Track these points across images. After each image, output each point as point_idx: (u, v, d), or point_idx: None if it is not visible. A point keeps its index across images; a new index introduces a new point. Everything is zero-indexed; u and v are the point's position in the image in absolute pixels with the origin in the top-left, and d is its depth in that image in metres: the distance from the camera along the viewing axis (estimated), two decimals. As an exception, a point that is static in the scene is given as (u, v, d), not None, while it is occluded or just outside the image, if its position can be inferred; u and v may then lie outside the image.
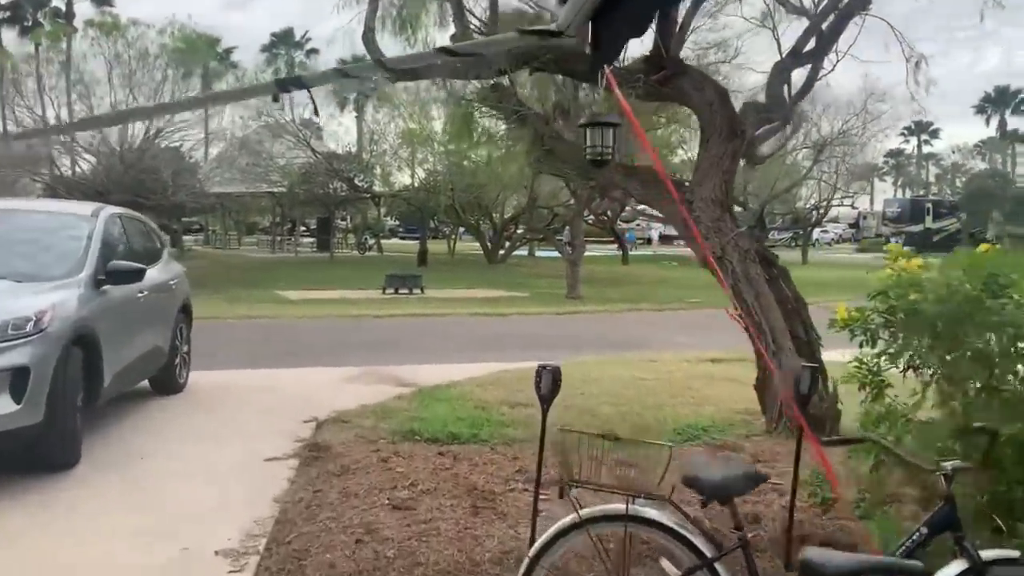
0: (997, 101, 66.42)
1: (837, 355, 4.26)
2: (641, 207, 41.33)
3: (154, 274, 7.22)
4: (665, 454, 2.90)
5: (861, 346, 3.68)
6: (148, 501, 4.83)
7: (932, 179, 75.85)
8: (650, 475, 2.89)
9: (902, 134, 67.83)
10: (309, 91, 2.46)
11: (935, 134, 75.30)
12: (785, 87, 7.46)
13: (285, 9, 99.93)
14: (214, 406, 7.32)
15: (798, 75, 7.69)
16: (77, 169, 27.86)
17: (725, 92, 6.71)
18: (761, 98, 7.66)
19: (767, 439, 5.85)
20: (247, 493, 4.93)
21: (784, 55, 7.62)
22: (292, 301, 18.77)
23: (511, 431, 6.15)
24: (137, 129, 25.73)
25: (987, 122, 68.80)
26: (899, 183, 79.14)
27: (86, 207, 6.78)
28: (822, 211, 44.43)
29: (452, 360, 10.42)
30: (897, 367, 3.53)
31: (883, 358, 3.66)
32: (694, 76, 6.74)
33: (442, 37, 7.70)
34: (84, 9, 46.06)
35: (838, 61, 8.16)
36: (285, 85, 2.52)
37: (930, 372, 3.46)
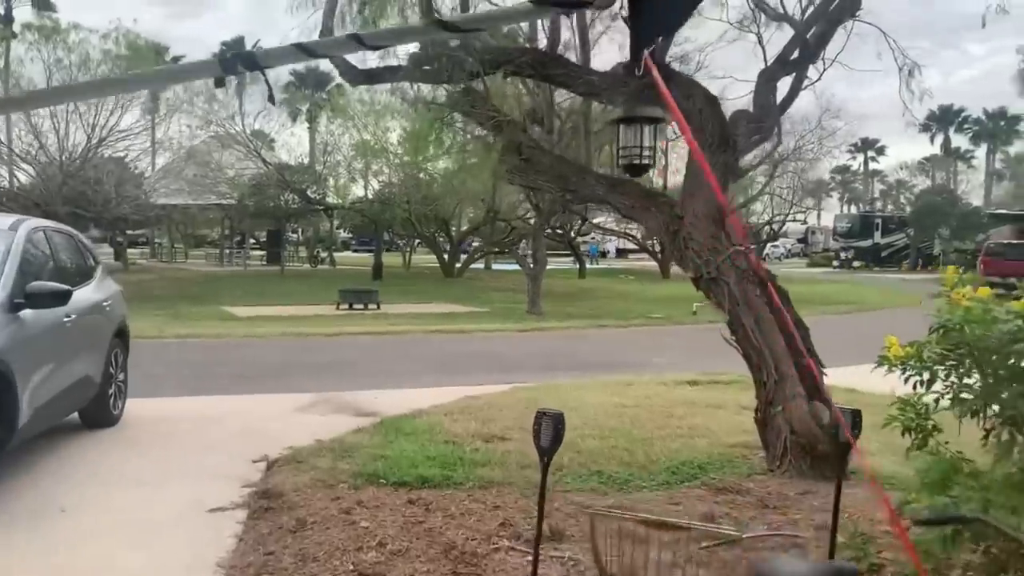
0: (941, 119, 67.85)
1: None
2: (598, 220, 41.23)
3: (85, 295, 6.46)
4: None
5: (915, 387, 3.15)
6: (63, 568, 4.09)
7: (876, 195, 77.28)
8: None
9: (849, 151, 68.89)
10: (263, 71, 1.88)
11: (881, 151, 76.78)
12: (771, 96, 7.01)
13: (235, 20, 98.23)
14: (152, 442, 6.55)
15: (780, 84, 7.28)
16: (15, 180, 26.52)
17: (715, 99, 6.21)
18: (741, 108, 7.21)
19: (771, 479, 5.31)
20: (185, 555, 4.22)
21: (770, 62, 7.19)
22: (240, 318, 17.88)
23: (487, 472, 5.51)
24: (78, 138, 24.57)
25: (931, 140, 70.29)
26: (845, 199, 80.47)
27: (4, 220, 5.99)
28: (776, 226, 44.75)
29: (414, 383, 9.75)
30: (960, 413, 2.99)
31: (933, 398, 3.14)
32: (682, 82, 6.23)
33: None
34: (23, 13, 44.43)
35: (825, 69, 7.78)
36: (233, 64, 1.88)
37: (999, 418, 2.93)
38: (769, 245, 49.39)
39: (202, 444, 6.49)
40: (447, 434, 6.58)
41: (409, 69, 6.76)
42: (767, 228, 43.39)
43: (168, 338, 13.67)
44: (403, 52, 7.07)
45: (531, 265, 20.53)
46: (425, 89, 7.13)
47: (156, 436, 6.74)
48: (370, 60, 7.47)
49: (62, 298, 5.42)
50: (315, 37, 6.20)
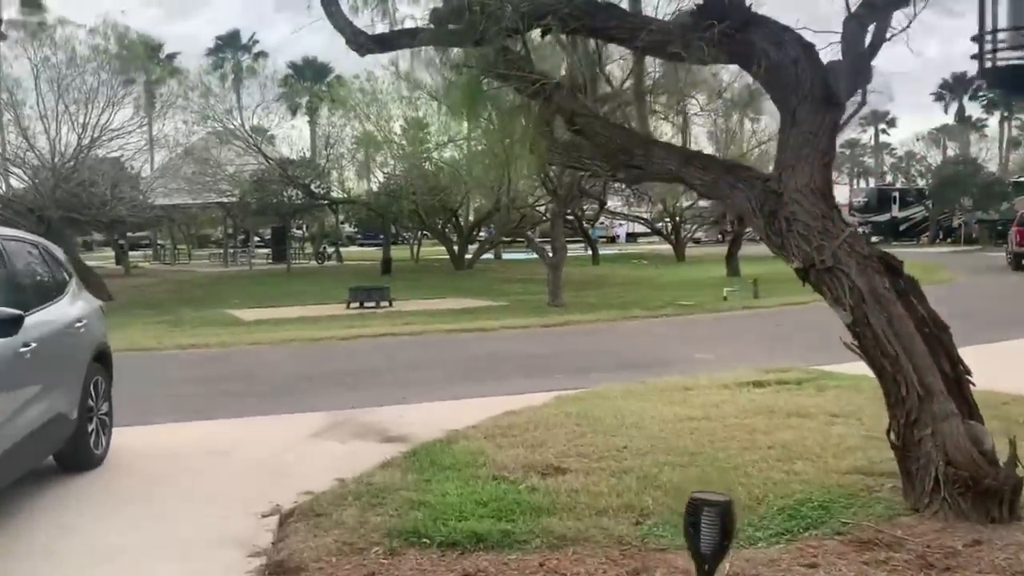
0: (955, 88, 66.28)
1: None
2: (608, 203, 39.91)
3: (52, 316, 5.36)
4: None
5: None
6: None
7: (886, 168, 75.70)
8: None
9: (860, 123, 67.36)
10: None
11: (892, 123, 75.10)
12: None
13: (229, 18, 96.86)
14: (139, 491, 5.45)
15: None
16: (6, 186, 25.44)
17: (812, 47, 5.03)
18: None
19: (921, 523, 4.17)
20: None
21: (857, 6, 6.00)
22: (245, 323, 16.79)
23: (556, 523, 4.39)
24: (70, 139, 23.40)
25: (945, 109, 68.74)
26: (855, 173, 78.98)
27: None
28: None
29: (442, 394, 8.64)
30: None
31: None
32: (770, 27, 5.05)
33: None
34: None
35: (916, 15, 6.58)
36: None
37: None
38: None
39: (199, 490, 5.38)
40: (494, 465, 5.46)
41: (431, 30, 5.61)
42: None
43: (168, 349, 12.61)
44: (421, 12, 5.94)
45: (550, 254, 19.37)
46: (451, 55, 5.97)
47: (145, 481, 5.64)
48: (379, 24, 6.32)
49: (9, 326, 4.30)
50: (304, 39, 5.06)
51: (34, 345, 4.81)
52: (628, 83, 6.72)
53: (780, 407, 7.15)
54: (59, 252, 6.19)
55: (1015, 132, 68.12)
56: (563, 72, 6.14)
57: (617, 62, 6.19)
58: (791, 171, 4.78)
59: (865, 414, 6.75)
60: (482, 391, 8.74)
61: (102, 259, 39.43)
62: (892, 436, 4.43)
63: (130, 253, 37.85)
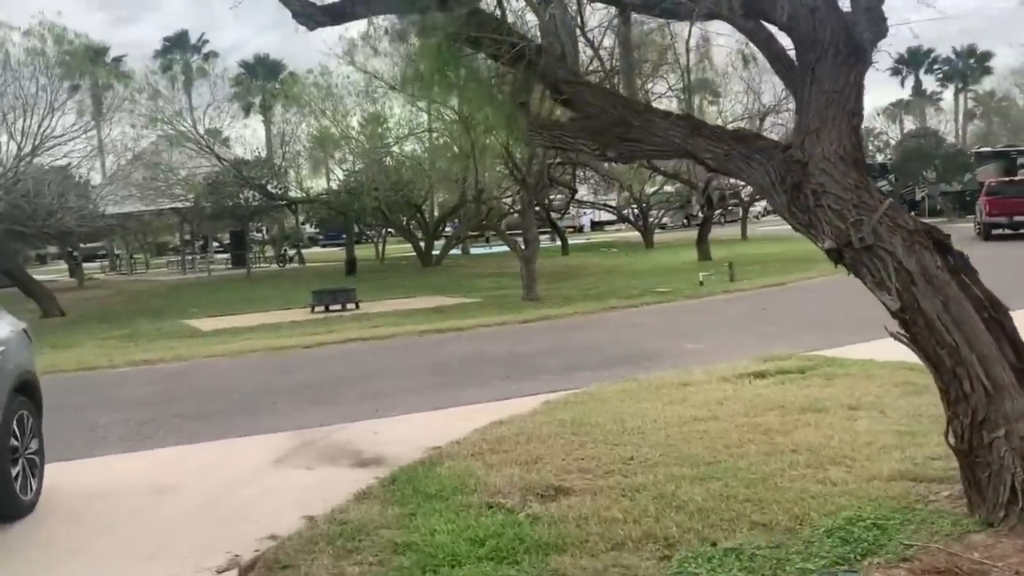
0: (910, 62, 66.62)
1: None
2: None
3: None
4: None
5: None
6: None
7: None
8: None
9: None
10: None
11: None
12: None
13: (177, 21, 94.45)
14: (73, 541, 4.67)
15: None
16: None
17: (830, -7, 4.39)
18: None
19: (998, 541, 3.54)
20: None
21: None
22: (204, 333, 15.88)
23: (567, 561, 3.70)
24: (9, 147, 22.12)
25: (902, 83, 69.06)
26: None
27: None
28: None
29: (419, 404, 7.92)
30: None
31: None
32: (779, -26, 4.39)
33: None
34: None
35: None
36: None
37: None
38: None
39: (144, 540, 4.61)
40: (486, 490, 4.77)
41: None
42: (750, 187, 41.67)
43: (119, 367, 11.70)
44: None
45: (522, 247, 18.67)
46: (413, 23, 5.22)
47: (81, 530, 4.85)
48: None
49: None
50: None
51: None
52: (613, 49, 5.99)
53: (791, 401, 6.54)
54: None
55: (970, 104, 68.69)
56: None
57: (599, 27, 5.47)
58: (815, 136, 4.13)
59: (886, 405, 6.17)
60: (463, 398, 8.04)
61: (56, 272, 38.01)
62: (952, 438, 3.80)
63: (86, 264, 36.45)
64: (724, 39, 5.66)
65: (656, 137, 4.47)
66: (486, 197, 23.93)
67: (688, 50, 5.21)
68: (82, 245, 37.79)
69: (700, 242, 28.33)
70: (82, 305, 23.95)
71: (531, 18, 4.99)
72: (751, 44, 5.07)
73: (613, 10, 5.38)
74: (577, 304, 16.55)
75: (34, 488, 5.20)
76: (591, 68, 5.45)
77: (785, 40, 4.82)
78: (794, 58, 4.41)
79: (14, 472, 4.93)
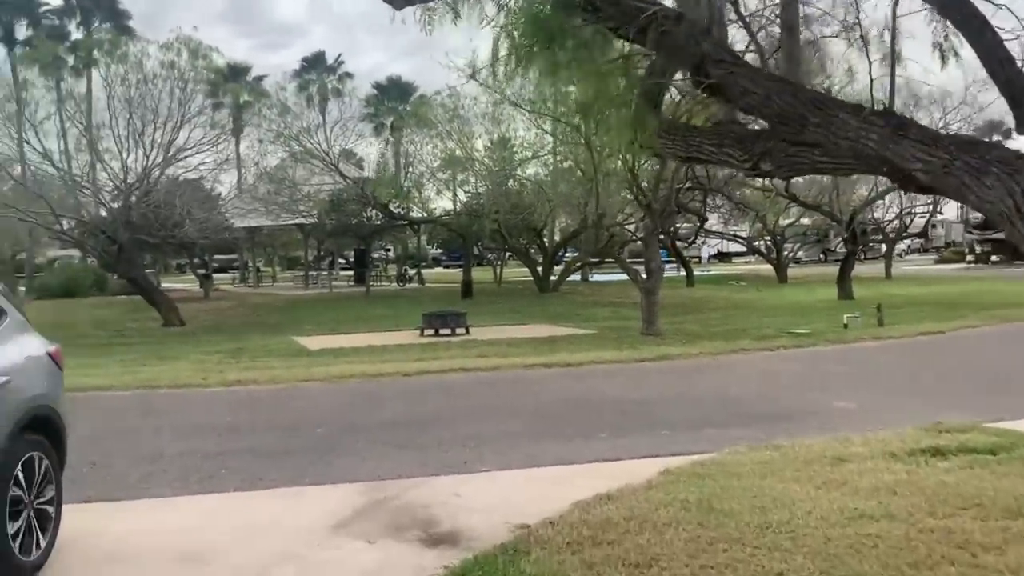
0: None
1: None
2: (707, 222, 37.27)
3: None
4: None
5: None
6: None
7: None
8: None
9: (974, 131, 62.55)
10: None
11: (1008, 134, 69.65)
12: None
13: (321, 45, 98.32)
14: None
15: None
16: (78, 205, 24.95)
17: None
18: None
19: None
20: None
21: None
22: (310, 352, 15.32)
23: None
24: (142, 158, 22.52)
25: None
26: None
27: None
28: (906, 220, 39.89)
29: (514, 457, 6.78)
30: None
31: None
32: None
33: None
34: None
35: None
36: None
37: None
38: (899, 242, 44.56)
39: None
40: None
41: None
42: (896, 222, 38.57)
43: (212, 386, 11.14)
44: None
45: (643, 277, 17.30)
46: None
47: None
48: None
49: None
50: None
51: None
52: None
53: (989, 497, 4.99)
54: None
55: None
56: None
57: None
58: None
59: None
60: (566, 454, 6.84)
61: (189, 282, 39.26)
62: None
63: (219, 275, 37.38)
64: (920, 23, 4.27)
65: (842, 140, 3.19)
66: (607, 223, 22.57)
67: (895, 15, 3.82)
68: (216, 256, 38.89)
69: (841, 279, 26.07)
70: (202, 316, 24.21)
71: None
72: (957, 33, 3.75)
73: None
74: (703, 343, 15.04)
75: (42, 546, 4.35)
76: (747, 48, 4.18)
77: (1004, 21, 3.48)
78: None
79: (13, 528, 4.08)
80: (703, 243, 52.03)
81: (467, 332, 17.75)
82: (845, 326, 16.66)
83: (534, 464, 6.52)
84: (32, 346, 4.65)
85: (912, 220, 41.48)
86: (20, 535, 4.15)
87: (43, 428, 4.47)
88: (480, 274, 35.38)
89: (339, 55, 57.88)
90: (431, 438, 7.67)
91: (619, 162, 17.43)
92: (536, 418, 8.56)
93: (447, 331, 17.73)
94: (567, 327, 18.97)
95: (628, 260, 22.53)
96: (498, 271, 37.07)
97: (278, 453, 7.21)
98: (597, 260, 39.16)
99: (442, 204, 34.87)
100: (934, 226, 61.06)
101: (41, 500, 4.38)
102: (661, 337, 16.08)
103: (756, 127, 3.96)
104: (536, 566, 4.06)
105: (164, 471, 6.63)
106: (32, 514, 4.27)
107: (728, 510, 4.87)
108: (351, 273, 39.52)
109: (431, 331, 17.81)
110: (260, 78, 47.37)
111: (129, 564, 4.47)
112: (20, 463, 4.18)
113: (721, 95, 3.50)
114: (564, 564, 4.06)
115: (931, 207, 40.69)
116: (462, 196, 32.30)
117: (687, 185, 18.90)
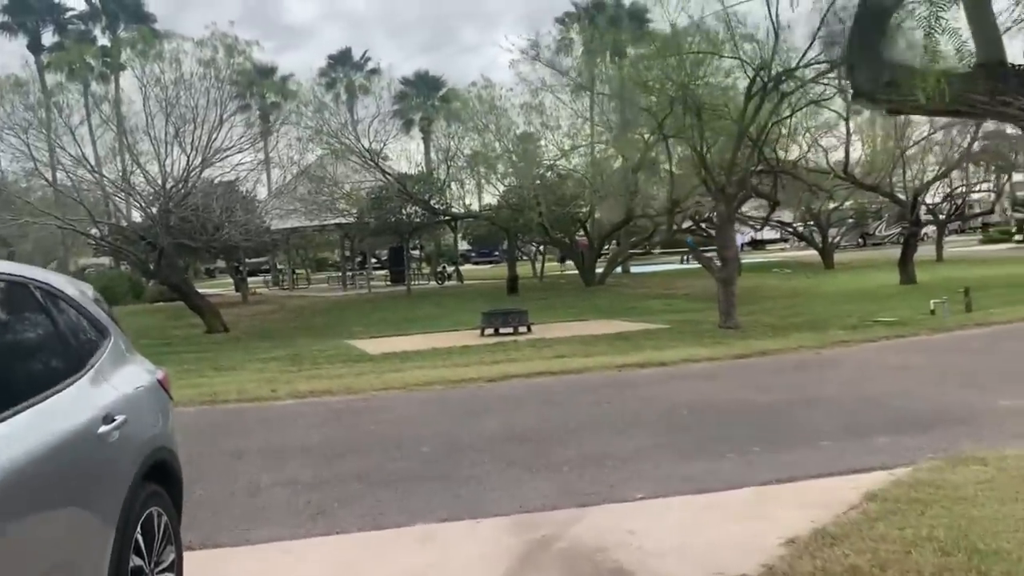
0: None
1: None
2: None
3: (46, 418, 2.85)
4: None
5: None
6: None
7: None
8: None
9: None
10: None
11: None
12: None
13: (335, 46, 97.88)
14: None
15: None
16: (116, 211, 24.29)
17: None
18: None
19: None
20: None
21: None
22: (371, 356, 14.44)
23: None
24: (180, 160, 21.75)
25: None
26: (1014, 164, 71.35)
27: None
28: (960, 199, 38.43)
29: (666, 481, 5.82)
30: None
31: None
32: None
33: None
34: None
35: None
36: None
37: None
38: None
39: None
40: None
41: None
42: (950, 201, 37.05)
43: (284, 399, 10.29)
44: None
45: (718, 265, 16.28)
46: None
47: None
48: None
49: None
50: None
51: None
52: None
53: None
54: (83, 296, 3.67)
55: None
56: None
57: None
58: None
59: None
60: (727, 474, 5.89)
61: (222, 286, 38.62)
62: None
63: (249, 279, 36.68)
64: None
65: None
66: (678, 211, 21.47)
67: None
68: (247, 260, 38.17)
69: (904, 263, 24.83)
70: (245, 321, 23.44)
71: None
72: None
73: None
74: (790, 335, 14.01)
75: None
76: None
77: None
78: None
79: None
80: (737, 231, 50.64)
81: (529, 331, 16.85)
82: (932, 312, 15.56)
83: (698, 489, 5.57)
84: (140, 372, 3.76)
85: (965, 199, 39.96)
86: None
87: (161, 476, 3.57)
88: (518, 269, 34.42)
89: (365, 51, 57.01)
90: (555, 455, 6.74)
91: (689, 148, 16.47)
92: (665, 429, 7.59)
93: (508, 330, 16.82)
94: (633, 322, 17.99)
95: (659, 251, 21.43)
96: (539, 266, 36.11)
97: (388, 480, 6.31)
98: (642, 251, 38.17)
99: (482, 198, 34.01)
100: (970, 206, 59.31)
101: (161, 568, 3.49)
102: (742, 331, 15.06)
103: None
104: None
105: (264, 509, 5.75)
106: (141, 584, 3.38)
107: (997, 550, 3.90)
108: (384, 272, 38.69)
109: (491, 330, 16.92)
110: (285, 78, 46.66)
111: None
112: (140, 522, 3.29)
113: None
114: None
115: (994, 184, 39.31)
116: (501, 189, 31.35)
117: (759, 167, 17.81)
